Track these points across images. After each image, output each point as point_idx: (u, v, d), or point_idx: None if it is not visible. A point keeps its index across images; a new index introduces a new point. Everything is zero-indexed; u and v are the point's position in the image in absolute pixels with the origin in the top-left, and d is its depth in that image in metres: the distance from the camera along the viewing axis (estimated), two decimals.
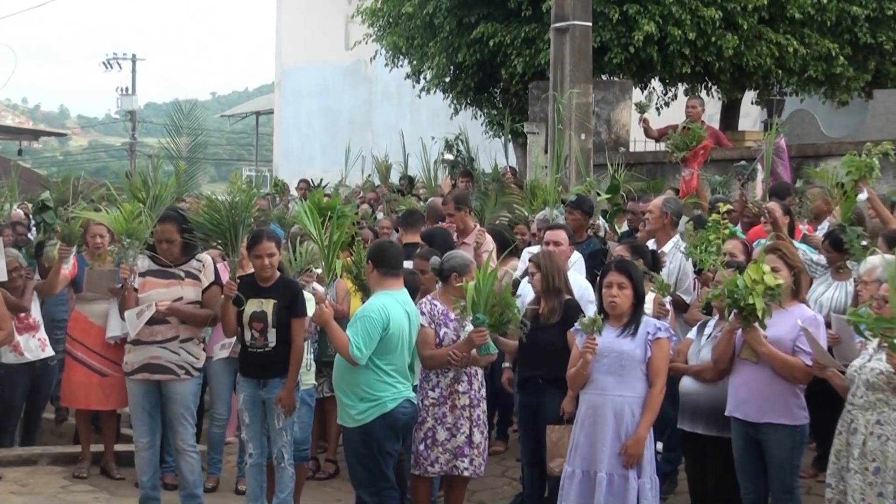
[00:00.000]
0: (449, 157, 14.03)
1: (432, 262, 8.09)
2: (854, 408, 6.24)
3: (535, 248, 9.06)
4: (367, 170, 17.80)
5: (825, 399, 7.25)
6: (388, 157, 17.58)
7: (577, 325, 6.92)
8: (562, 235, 8.67)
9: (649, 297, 7.47)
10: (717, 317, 7.18)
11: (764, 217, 9.04)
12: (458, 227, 10.38)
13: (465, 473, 7.69)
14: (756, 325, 6.61)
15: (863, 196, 8.84)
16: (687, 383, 7.23)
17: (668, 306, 7.77)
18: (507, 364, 8.34)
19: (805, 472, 7.98)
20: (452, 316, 7.62)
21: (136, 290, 7.76)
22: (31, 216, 11.57)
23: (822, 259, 8.54)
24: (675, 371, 7.12)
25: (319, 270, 8.08)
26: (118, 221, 7.73)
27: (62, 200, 9.57)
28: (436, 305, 7.71)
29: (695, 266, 8.10)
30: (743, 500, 6.92)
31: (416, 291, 7.83)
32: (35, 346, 9.41)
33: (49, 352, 9.52)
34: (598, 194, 11.15)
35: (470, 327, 7.40)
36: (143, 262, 7.85)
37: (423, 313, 7.65)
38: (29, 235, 11.35)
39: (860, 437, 6.15)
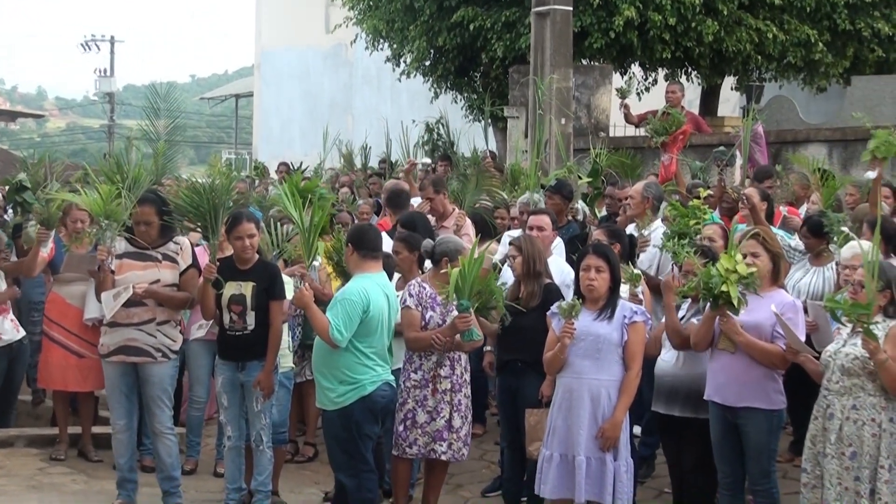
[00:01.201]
0: (426, 160, 13.78)
1: (424, 245, 8.11)
2: (830, 393, 6.26)
3: (516, 232, 9.06)
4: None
5: (800, 384, 7.28)
6: (366, 142, 17.53)
7: (554, 308, 6.93)
8: (545, 220, 8.68)
9: (625, 285, 7.48)
10: (689, 300, 7.20)
11: (742, 202, 9.07)
12: (436, 210, 10.37)
13: (443, 458, 7.68)
14: (731, 314, 6.64)
15: (871, 174, 8.82)
16: (662, 366, 7.26)
17: (641, 296, 7.77)
18: (488, 348, 8.34)
19: (781, 456, 8.01)
20: (440, 300, 7.61)
21: (112, 272, 7.72)
22: (5, 197, 11.50)
23: (800, 245, 8.56)
24: (667, 307, 7.12)
25: (318, 262, 8.10)
26: (96, 203, 7.69)
27: (37, 182, 9.52)
28: (424, 288, 7.71)
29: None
30: (720, 484, 6.96)
31: (391, 274, 7.83)
32: (10, 327, 9.38)
33: (21, 332, 9.50)
34: (580, 178, 11.15)
35: (456, 313, 7.41)
36: (120, 244, 7.82)
37: (410, 295, 7.66)
38: (5, 217, 11.29)
39: (836, 422, 6.18)
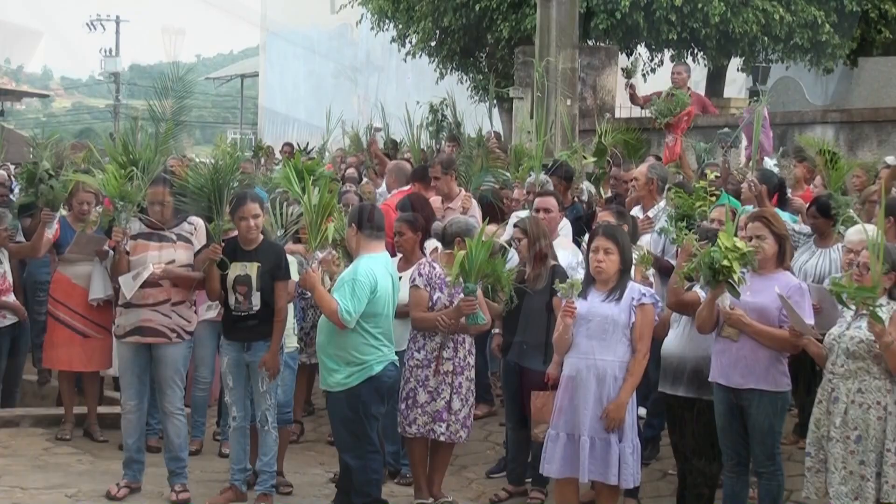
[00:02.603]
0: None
1: (435, 227, 8.09)
2: (835, 377, 6.24)
3: (523, 213, 9.05)
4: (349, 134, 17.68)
5: (803, 366, 7.26)
6: (372, 124, 17.48)
7: (557, 289, 6.92)
8: (551, 202, 8.66)
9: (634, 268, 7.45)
10: (697, 284, 7.18)
11: (749, 186, 9.02)
12: (441, 191, 10.33)
13: (441, 438, 7.68)
14: (729, 306, 6.61)
15: None
16: (668, 346, 7.25)
17: (652, 279, 7.76)
18: (496, 330, 8.33)
19: (786, 438, 8.00)
20: (448, 281, 7.60)
21: (127, 252, 7.72)
22: (12, 177, 11.54)
23: (804, 228, 8.54)
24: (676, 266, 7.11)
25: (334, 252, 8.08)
26: (110, 184, 7.68)
27: (54, 167, 9.50)
28: (434, 269, 7.70)
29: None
30: (725, 467, 6.95)
31: None
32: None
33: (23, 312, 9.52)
34: (585, 157, 11.12)
35: (462, 295, 7.40)
36: (135, 225, 7.81)
37: (420, 275, 7.66)
38: (11, 197, 11.30)
39: (841, 405, 6.16)
